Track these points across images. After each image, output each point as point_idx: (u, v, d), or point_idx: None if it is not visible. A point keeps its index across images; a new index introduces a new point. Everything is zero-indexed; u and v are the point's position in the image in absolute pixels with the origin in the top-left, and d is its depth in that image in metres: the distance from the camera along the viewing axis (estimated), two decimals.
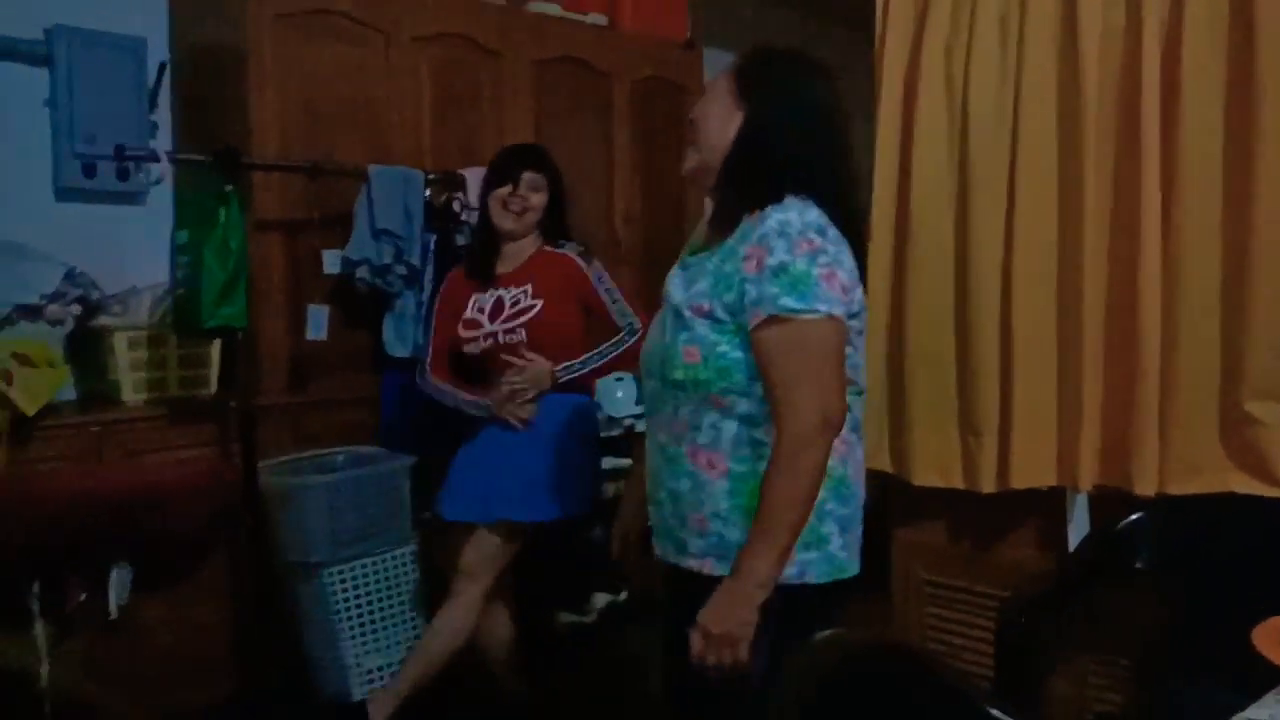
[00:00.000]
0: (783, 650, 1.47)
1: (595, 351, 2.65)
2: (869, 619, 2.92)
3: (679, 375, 1.61)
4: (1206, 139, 2.17)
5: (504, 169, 2.69)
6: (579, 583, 3.41)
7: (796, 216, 1.53)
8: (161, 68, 3.18)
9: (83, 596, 2.57)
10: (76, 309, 2.83)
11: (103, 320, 2.88)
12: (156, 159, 2.80)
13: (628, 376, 3.62)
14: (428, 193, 3.14)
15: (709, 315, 1.58)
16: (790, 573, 1.55)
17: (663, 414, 1.66)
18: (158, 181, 3.05)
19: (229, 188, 2.64)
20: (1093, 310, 2.27)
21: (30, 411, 2.49)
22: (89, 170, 3.01)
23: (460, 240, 3.16)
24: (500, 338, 2.64)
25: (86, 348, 2.90)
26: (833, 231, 1.56)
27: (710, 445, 1.60)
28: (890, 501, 2.65)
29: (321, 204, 3.09)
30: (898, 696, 2.07)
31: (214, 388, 2.99)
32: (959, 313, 2.43)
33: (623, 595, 3.49)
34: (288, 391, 3.06)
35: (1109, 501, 2.28)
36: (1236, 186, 2.15)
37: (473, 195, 3.26)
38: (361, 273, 3.05)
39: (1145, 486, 2.21)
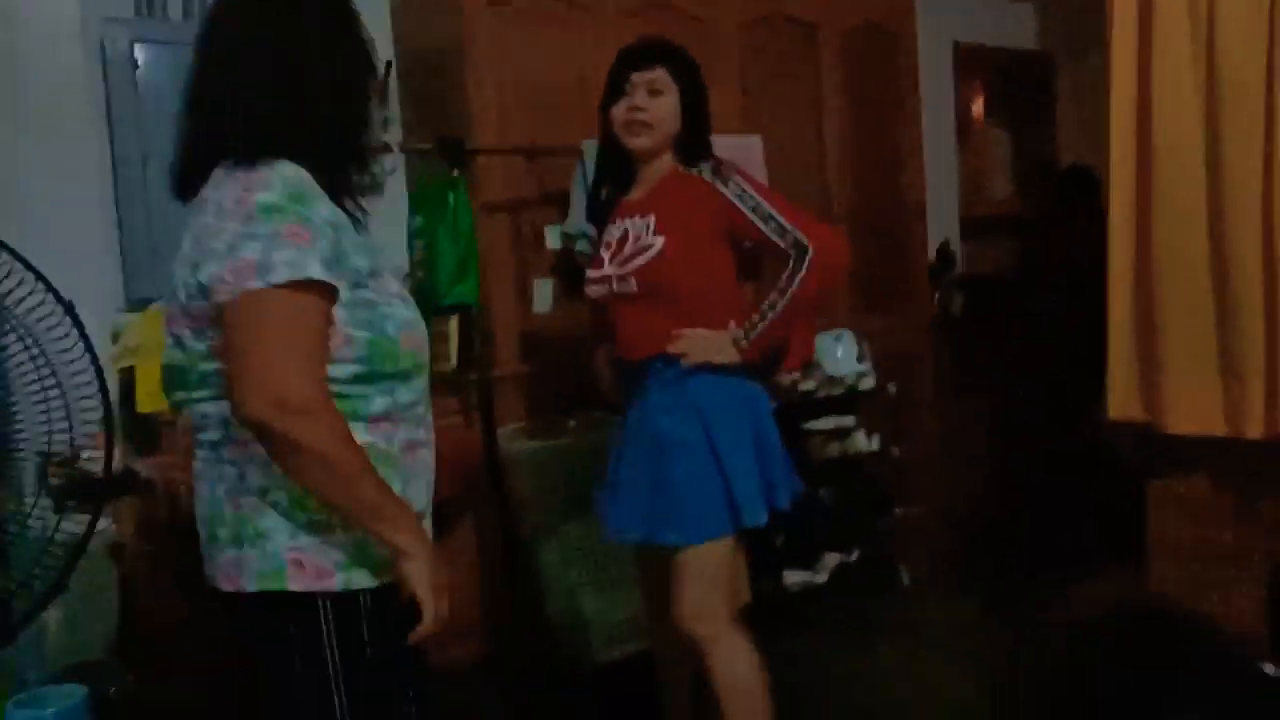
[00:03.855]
0: (348, 662, 1.36)
1: (767, 301, 2.03)
2: (1125, 581, 2.76)
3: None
4: None
5: (613, 76, 2.15)
6: (808, 541, 3.38)
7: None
8: (388, 66, 3.37)
9: None
10: None
11: None
12: (390, 150, 2.99)
13: (846, 333, 3.55)
14: None
15: None
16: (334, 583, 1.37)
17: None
18: (392, 171, 3.23)
19: (456, 173, 2.79)
20: None
21: None
22: None
23: None
24: (614, 285, 2.11)
25: None
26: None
27: None
28: (1144, 453, 2.49)
29: (541, 182, 3.21)
30: (1162, 657, 1.96)
31: (454, 362, 3.17)
32: (1214, 246, 2.25)
33: (854, 555, 3.44)
34: (519, 362, 3.21)
35: None
36: None
37: None
38: (580, 245, 3.14)
39: None
